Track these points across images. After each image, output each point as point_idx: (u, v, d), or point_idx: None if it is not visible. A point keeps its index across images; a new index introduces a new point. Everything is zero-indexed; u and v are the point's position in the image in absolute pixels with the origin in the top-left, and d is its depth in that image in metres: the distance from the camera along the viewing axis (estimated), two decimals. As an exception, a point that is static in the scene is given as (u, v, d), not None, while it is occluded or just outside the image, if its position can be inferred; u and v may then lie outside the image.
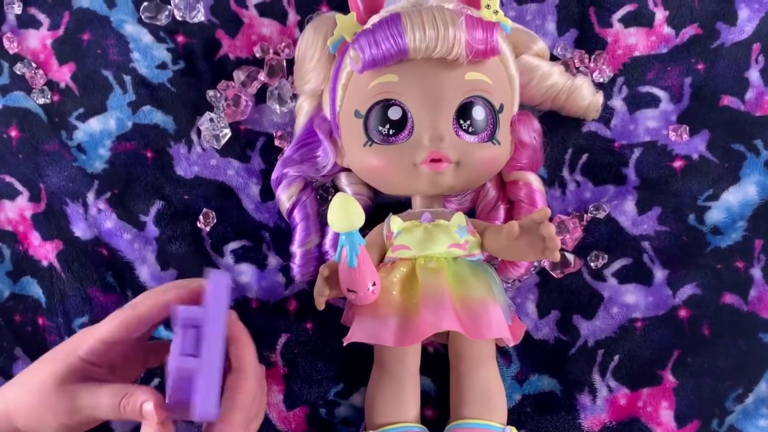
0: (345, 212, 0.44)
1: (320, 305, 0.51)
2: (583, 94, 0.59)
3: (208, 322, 0.43)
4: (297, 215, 0.58)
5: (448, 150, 0.51)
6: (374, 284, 0.49)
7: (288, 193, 0.58)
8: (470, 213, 0.58)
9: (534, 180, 0.57)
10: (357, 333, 0.50)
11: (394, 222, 0.54)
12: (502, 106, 0.53)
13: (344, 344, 0.49)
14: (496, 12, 0.54)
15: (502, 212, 0.58)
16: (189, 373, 0.42)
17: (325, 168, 0.58)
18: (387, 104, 0.52)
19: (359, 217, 0.44)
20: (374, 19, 0.52)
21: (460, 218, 0.53)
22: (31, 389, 0.47)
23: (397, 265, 0.53)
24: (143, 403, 0.44)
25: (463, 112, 0.52)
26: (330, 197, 0.60)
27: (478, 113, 0.52)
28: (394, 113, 0.52)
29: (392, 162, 0.52)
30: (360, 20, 0.54)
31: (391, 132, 0.52)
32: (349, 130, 0.54)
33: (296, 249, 0.58)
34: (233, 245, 0.60)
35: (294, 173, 0.58)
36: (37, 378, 0.47)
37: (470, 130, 0.52)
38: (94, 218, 0.60)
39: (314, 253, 0.58)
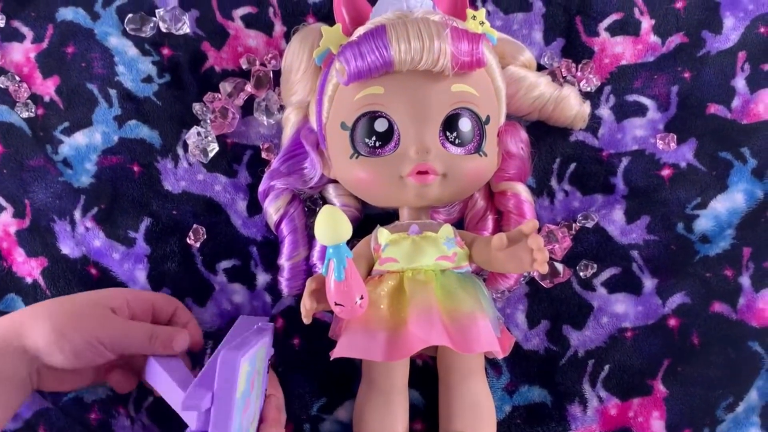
0: (332, 225, 0.44)
1: (307, 319, 0.50)
2: (570, 104, 0.59)
3: (216, 403, 0.44)
4: (285, 228, 0.58)
5: (434, 162, 0.51)
6: (362, 297, 0.48)
7: (275, 205, 0.57)
8: (459, 224, 0.58)
9: (522, 190, 0.57)
10: (345, 347, 0.49)
11: (382, 234, 0.53)
12: (488, 118, 0.53)
13: (331, 359, 0.49)
14: (482, 23, 0.54)
15: (490, 223, 0.58)
16: None
17: (312, 180, 0.57)
18: (373, 116, 0.52)
19: (347, 230, 0.44)
20: (360, 30, 0.52)
21: (447, 230, 0.53)
22: (63, 301, 0.51)
23: (385, 278, 0.52)
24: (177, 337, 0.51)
25: (450, 123, 0.52)
26: (318, 209, 0.60)
27: (465, 125, 0.52)
28: (380, 125, 0.52)
29: (378, 174, 0.52)
30: (345, 32, 0.54)
31: (377, 144, 0.52)
32: (336, 141, 0.54)
33: (284, 262, 0.58)
34: (225, 264, 0.59)
35: (281, 186, 0.57)
36: (72, 297, 0.52)
37: (456, 141, 0.52)
38: (82, 236, 0.59)
39: (302, 266, 0.58)
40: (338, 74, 0.52)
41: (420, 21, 0.50)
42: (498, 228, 0.58)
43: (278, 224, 0.58)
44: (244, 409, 0.46)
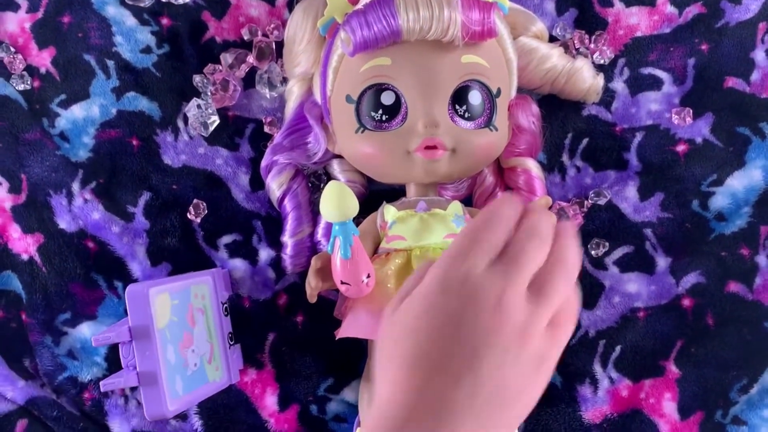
0: (339, 201, 0.42)
1: (312, 298, 0.50)
2: (583, 77, 0.57)
3: (135, 335, 0.47)
4: (288, 204, 0.56)
5: (443, 137, 0.49)
6: (369, 276, 0.47)
7: (278, 181, 0.56)
8: (467, 201, 0.57)
9: (533, 166, 0.55)
10: (350, 327, 0.48)
11: (388, 211, 0.52)
12: (499, 90, 0.51)
13: (336, 339, 0.48)
14: None
15: None
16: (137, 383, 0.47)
17: (316, 155, 0.56)
18: (380, 88, 0.50)
19: (353, 207, 0.43)
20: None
21: (456, 207, 0.52)
22: None
23: (392, 257, 0.51)
24: None
25: (459, 96, 0.50)
26: (322, 185, 0.58)
27: (475, 98, 0.50)
28: (387, 98, 0.50)
29: (385, 149, 0.50)
30: (351, 0, 0.51)
31: (383, 118, 0.50)
32: (341, 115, 0.52)
33: (287, 239, 0.56)
34: (226, 239, 0.58)
35: (284, 161, 0.56)
36: None
37: (466, 115, 0.50)
38: (80, 209, 0.58)
39: (306, 243, 0.56)
40: (343, 44, 0.50)
41: None
42: None
43: (281, 200, 0.56)
44: (182, 343, 0.50)
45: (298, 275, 0.58)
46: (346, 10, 0.51)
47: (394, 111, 0.50)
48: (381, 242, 0.52)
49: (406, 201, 0.53)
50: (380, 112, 0.50)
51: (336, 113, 0.53)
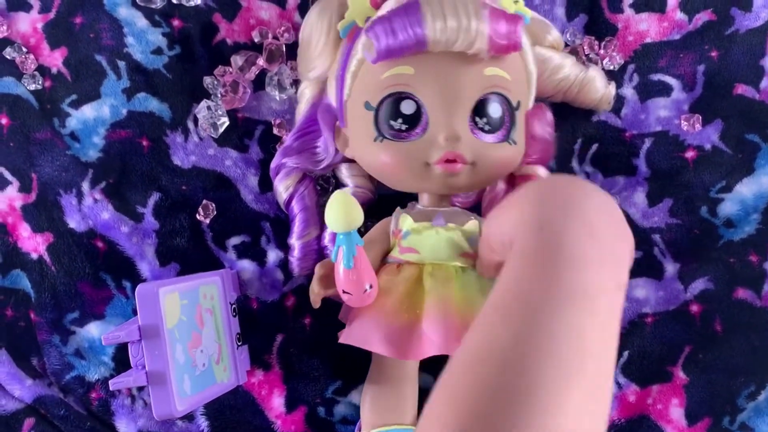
0: (344, 211, 0.42)
1: (316, 304, 0.50)
2: (595, 87, 0.57)
3: (144, 334, 0.47)
4: (295, 206, 0.56)
5: (463, 150, 0.48)
6: (371, 286, 0.47)
7: (285, 183, 0.56)
8: (476, 207, 0.57)
9: (544, 174, 0.55)
10: (354, 335, 0.48)
11: (404, 220, 0.51)
12: (519, 104, 0.51)
13: (339, 342, 0.48)
14: (516, 1, 0.51)
15: None
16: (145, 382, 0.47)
17: (324, 161, 0.55)
18: (400, 97, 0.49)
19: (358, 217, 0.43)
20: (390, 4, 0.49)
21: (474, 226, 0.51)
22: None
23: (404, 268, 0.50)
24: None
25: (480, 109, 0.49)
26: (330, 188, 0.58)
27: (495, 110, 0.49)
28: (408, 107, 0.49)
29: (403, 160, 0.49)
30: (374, 4, 0.50)
31: (403, 127, 0.49)
32: (358, 122, 0.51)
33: (294, 241, 0.56)
34: (235, 240, 0.58)
35: (291, 164, 0.55)
36: None
37: (486, 128, 0.49)
38: (90, 209, 0.58)
39: (313, 245, 0.56)
40: (366, 51, 0.49)
41: None
42: None
43: (288, 203, 0.56)
44: (191, 343, 0.50)
45: (305, 277, 0.58)
46: (369, 13, 0.50)
47: (414, 121, 0.49)
48: (393, 250, 0.51)
49: (423, 211, 0.52)
50: (400, 120, 0.49)
51: (352, 119, 0.52)
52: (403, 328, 0.47)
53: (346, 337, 0.48)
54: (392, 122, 0.49)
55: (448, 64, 0.48)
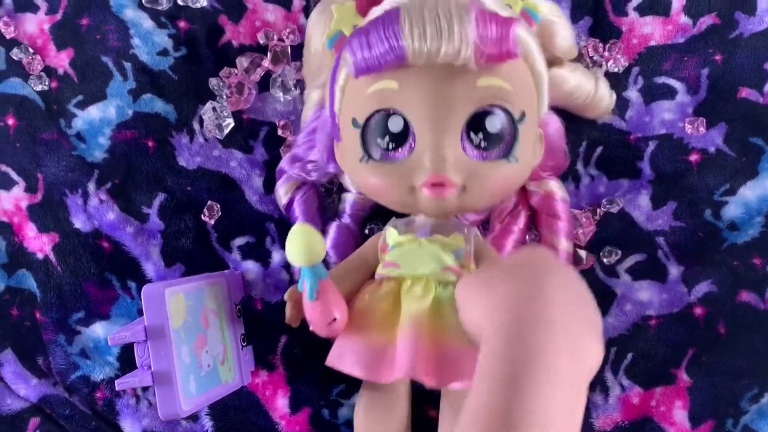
0: (304, 245, 0.41)
1: (294, 324, 0.49)
2: (603, 104, 0.56)
3: (150, 334, 0.47)
4: (296, 209, 0.55)
5: (451, 173, 0.44)
6: (335, 319, 0.45)
7: (285, 188, 0.55)
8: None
9: (556, 188, 0.54)
10: (331, 354, 0.46)
11: (390, 234, 0.49)
12: (523, 115, 0.45)
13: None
14: None
15: (522, 219, 0.55)
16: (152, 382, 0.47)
17: (317, 173, 0.54)
18: (387, 113, 0.44)
19: (320, 250, 0.41)
20: (375, 11, 0.45)
21: (458, 240, 0.47)
22: None
23: (384, 285, 0.47)
24: None
25: (475, 123, 0.44)
26: (335, 188, 0.58)
27: (493, 124, 0.44)
28: (395, 124, 0.44)
29: (389, 183, 0.46)
30: (361, 10, 0.47)
31: (390, 146, 0.45)
32: (347, 138, 0.48)
33: None
34: (239, 241, 0.58)
35: (290, 172, 0.55)
36: None
37: (482, 145, 0.44)
38: (96, 209, 0.58)
39: None
40: (347, 64, 0.45)
41: (436, 2, 0.42)
42: (530, 226, 0.56)
43: (287, 207, 0.56)
44: (196, 343, 0.50)
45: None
46: (355, 21, 0.46)
47: (402, 138, 0.44)
48: (379, 266, 0.49)
49: (412, 222, 0.49)
50: (386, 138, 0.45)
51: (343, 134, 0.48)
52: (378, 349, 0.45)
53: (329, 361, 0.46)
54: (379, 140, 0.45)
55: (436, 76, 0.43)
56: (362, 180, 0.48)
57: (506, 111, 0.44)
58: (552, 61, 0.51)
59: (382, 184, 0.46)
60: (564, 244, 0.55)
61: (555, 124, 0.52)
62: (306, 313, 0.45)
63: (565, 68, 0.52)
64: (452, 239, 0.47)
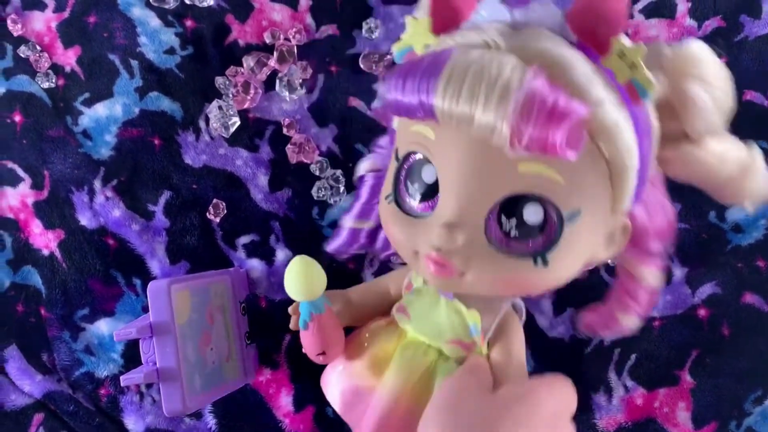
0: (303, 280, 0.39)
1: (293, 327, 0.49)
2: (753, 192, 0.42)
3: (155, 331, 0.47)
4: (366, 185, 0.48)
5: (456, 259, 0.37)
6: (323, 353, 0.44)
7: (367, 163, 0.48)
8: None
9: (650, 276, 0.43)
10: (323, 379, 0.46)
11: (416, 278, 0.45)
12: (576, 213, 0.36)
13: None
14: (633, 66, 0.34)
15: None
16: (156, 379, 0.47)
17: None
18: (424, 160, 0.38)
19: (319, 285, 0.40)
20: (436, 44, 0.38)
21: (475, 317, 0.42)
22: None
23: (391, 326, 0.45)
24: None
25: (511, 206, 0.36)
26: (341, 188, 0.59)
27: (532, 215, 0.36)
28: (428, 175, 0.38)
29: (400, 234, 0.39)
30: (436, 29, 0.39)
31: (417, 196, 0.39)
32: (390, 167, 0.42)
33: (348, 222, 0.48)
34: (244, 239, 0.59)
35: (378, 151, 0.48)
36: None
37: (512, 233, 0.36)
38: (101, 206, 0.58)
39: (360, 236, 0.48)
40: None
41: (487, 67, 0.33)
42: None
43: (361, 179, 0.49)
44: (201, 340, 0.50)
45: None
46: (427, 41, 0.39)
47: (431, 192, 0.38)
48: (397, 303, 0.46)
49: None
50: (417, 186, 0.39)
51: (390, 161, 0.42)
52: (361, 390, 0.44)
53: (322, 377, 0.46)
54: (409, 184, 0.39)
55: (473, 145, 0.35)
56: (382, 217, 0.42)
57: (553, 206, 0.35)
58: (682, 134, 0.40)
59: (393, 233, 0.40)
60: (627, 324, 0.46)
61: (661, 214, 0.41)
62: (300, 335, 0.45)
63: (698, 147, 0.39)
64: (470, 314, 0.42)
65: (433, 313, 0.43)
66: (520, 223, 0.36)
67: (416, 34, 0.39)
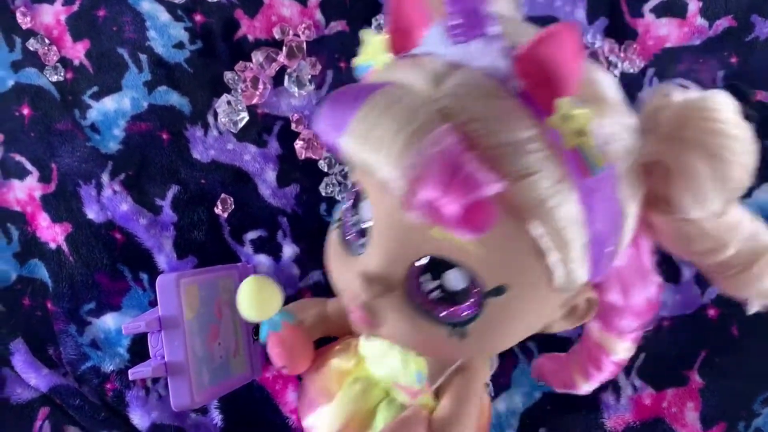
0: (256, 301, 0.40)
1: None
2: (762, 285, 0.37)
3: (164, 324, 0.47)
4: None
5: (370, 309, 0.34)
6: (284, 367, 0.45)
7: None
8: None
9: (619, 348, 0.41)
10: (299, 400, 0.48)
11: None
12: (501, 289, 0.32)
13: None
14: (580, 133, 0.29)
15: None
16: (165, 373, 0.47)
17: None
18: (364, 193, 0.35)
19: (271, 307, 0.40)
20: (375, 72, 0.36)
21: (421, 364, 0.40)
22: None
23: (352, 354, 0.44)
24: None
25: (436, 266, 0.33)
26: (346, 186, 0.58)
27: (453, 281, 0.33)
28: (367, 211, 0.35)
29: (332, 269, 0.38)
30: (395, 48, 0.35)
31: (353, 226, 0.36)
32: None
33: None
34: (251, 234, 0.58)
35: None
36: None
37: (432, 296, 0.33)
38: (109, 200, 0.58)
39: None
40: None
41: (400, 113, 0.29)
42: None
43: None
44: (209, 335, 0.50)
45: (321, 273, 0.58)
46: (385, 59, 0.36)
47: (365, 230, 0.35)
48: None
49: None
50: (356, 216, 0.36)
51: None
52: (314, 403, 0.45)
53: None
54: (354, 211, 0.36)
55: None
56: (328, 242, 0.39)
57: (475, 275, 0.32)
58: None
59: (329, 263, 0.38)
60: (584, 388, 0.45)
61: (639, 290, 0.38)
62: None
63: (689, 222, 0.34)
64: (416, 360, 0.40)
65: (386, 351, 0.41)
66: (442, 290, 0.33)
67: (374, 52, 0.36)
